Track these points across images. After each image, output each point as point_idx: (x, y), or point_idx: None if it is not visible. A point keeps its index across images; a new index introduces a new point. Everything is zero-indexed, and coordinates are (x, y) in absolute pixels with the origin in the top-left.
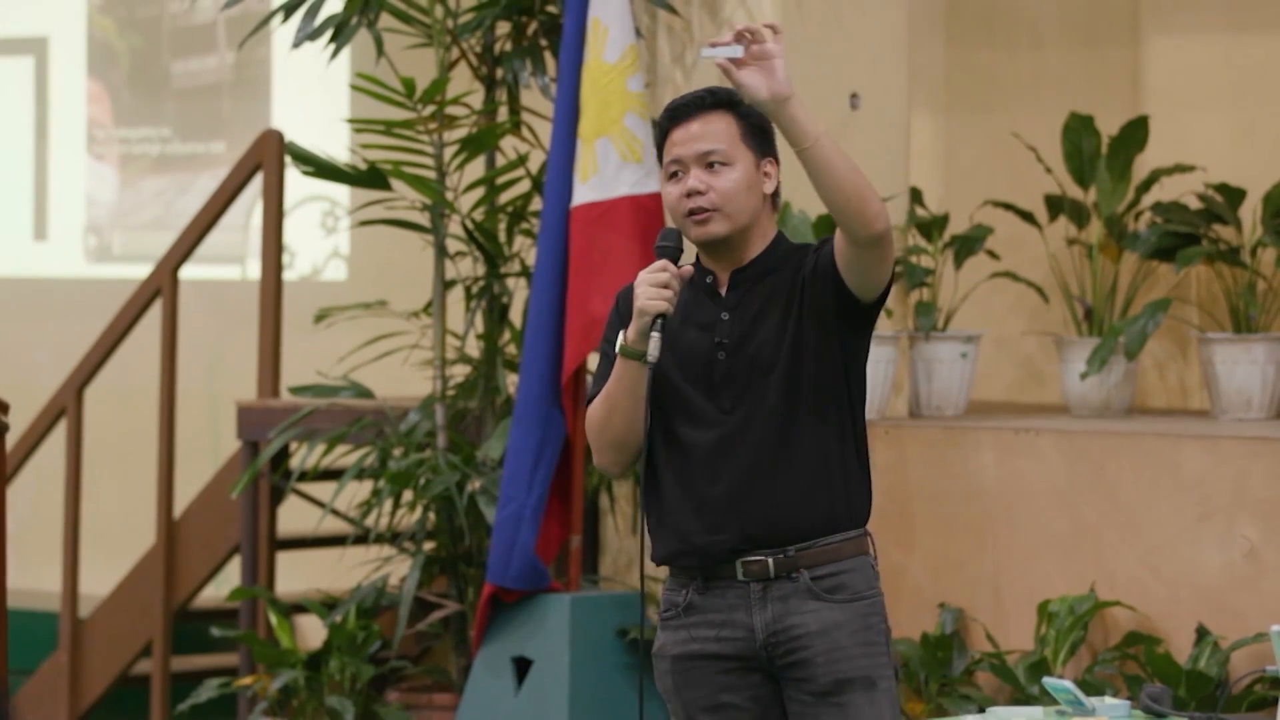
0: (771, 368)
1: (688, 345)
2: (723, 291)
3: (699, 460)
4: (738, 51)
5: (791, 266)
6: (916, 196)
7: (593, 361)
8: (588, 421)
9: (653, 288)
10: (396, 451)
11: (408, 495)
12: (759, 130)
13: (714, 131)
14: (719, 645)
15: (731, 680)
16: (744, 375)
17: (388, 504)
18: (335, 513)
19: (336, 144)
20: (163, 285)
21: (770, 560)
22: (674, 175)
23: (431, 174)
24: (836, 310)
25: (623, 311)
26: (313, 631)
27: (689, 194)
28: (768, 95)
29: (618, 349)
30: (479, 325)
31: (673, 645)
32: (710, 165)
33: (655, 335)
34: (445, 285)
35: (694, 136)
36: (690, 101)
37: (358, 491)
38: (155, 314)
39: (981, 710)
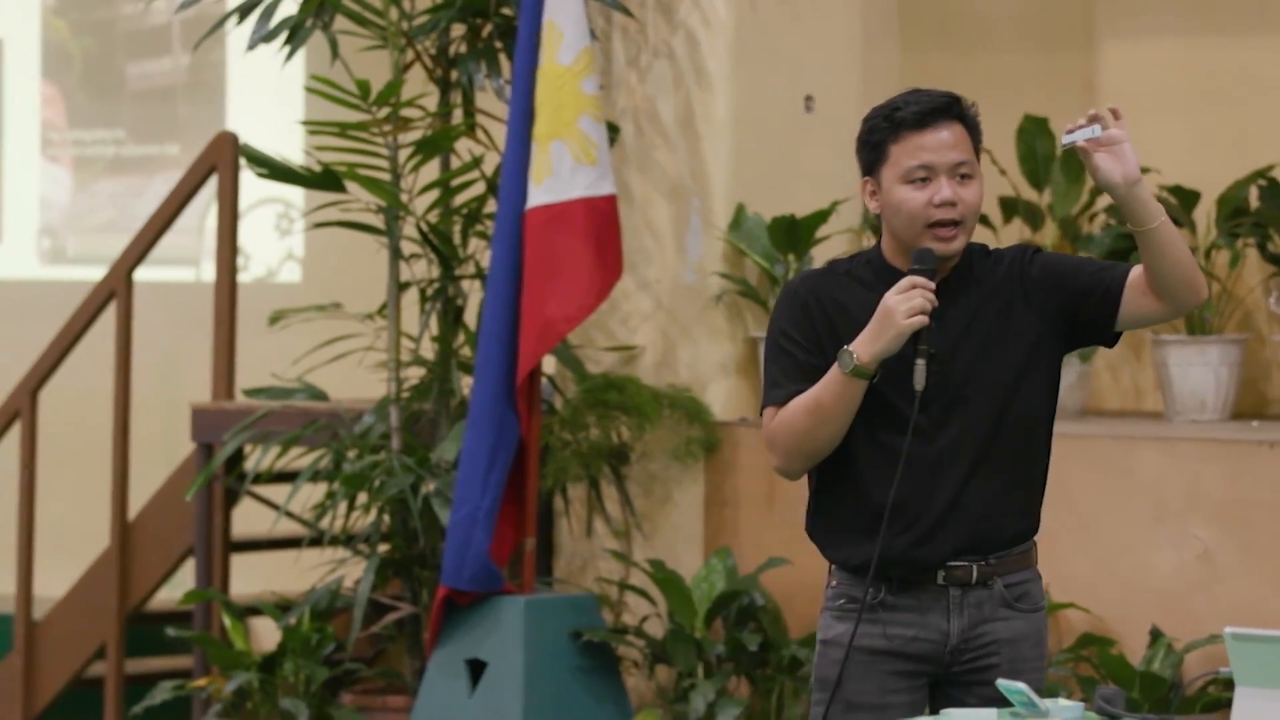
0: (990, 379)
1: (897, 357)
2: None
3: (909, 471)
4: (1096, 131)
5: (990, 273)
6: None
7: (547, 364)
8: (782, 427)
9: (911, 305)
10: (351, 454)
11: (362, 497)
12: (980, 142)
13: (961, 141)
14: (908, 645)
15: (901, 683)
16: (957, 386)
17: (342, 506)
18: (289, 515)
19: (291, 146)
20: (117, 287)
21: (974, 568)
22: (920, 180)
23: (386, 176)
24: (1080, 330)
25: (808, 306)
26: (267, 634)
27: (941, 204)
28: (1120, 179)
29: (850, 369)
30: (433, 327)
31: (858, 637)
32: (960, 177)
33: (920, 364)
34: (400, 287)
35: (947, 144)
36: (941, 107)
37: (312, 494)
38: (110, 316)
39: (935, 712)
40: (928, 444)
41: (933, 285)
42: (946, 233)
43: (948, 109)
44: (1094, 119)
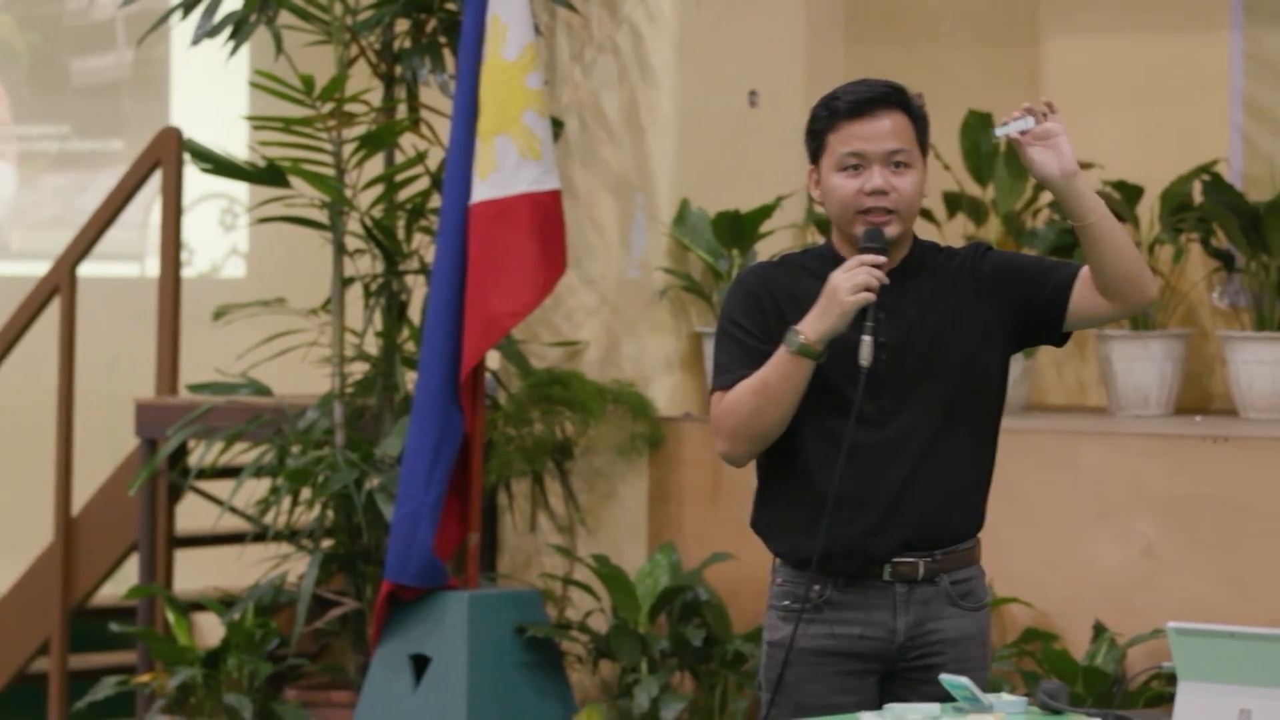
0: (940, 371)
1: (844, 343)
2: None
3: (859, 461)
4: (1030, 123)
5: (941, 267)
6: None
7: (491, 359)
8: (728, 410)
9: (855, 281)
10: (295, 449)
11: (306, 493)
12: (925, 133)
13: (900, 130)
14: (855, 643)
15: (851, 683)
16: (907, 377)
17: (286, 501)
18: (233, 510)
19: (235, 141)
20: (61, 283)
21: (920, 563)
22: (852, 168)
23: (330, 171)
24: (1030, 328)
25: (758, 296)
26: (210, 629)
27: (871, 192)
28: (1058, 171)
29: (796, 348)
30: (377, 323)
31: (804, 638)
32: (895, 165)
33: (866, 340)
34: (344, 283)
35: (882, 133)
36: (878, 96)
37: (256, 489)
38: (54, 311)
39: (870, 705)
40: (876, 432)
41: (882, 260)
42: (876, 219)
43: (886, 98)
44: (1028, 112)
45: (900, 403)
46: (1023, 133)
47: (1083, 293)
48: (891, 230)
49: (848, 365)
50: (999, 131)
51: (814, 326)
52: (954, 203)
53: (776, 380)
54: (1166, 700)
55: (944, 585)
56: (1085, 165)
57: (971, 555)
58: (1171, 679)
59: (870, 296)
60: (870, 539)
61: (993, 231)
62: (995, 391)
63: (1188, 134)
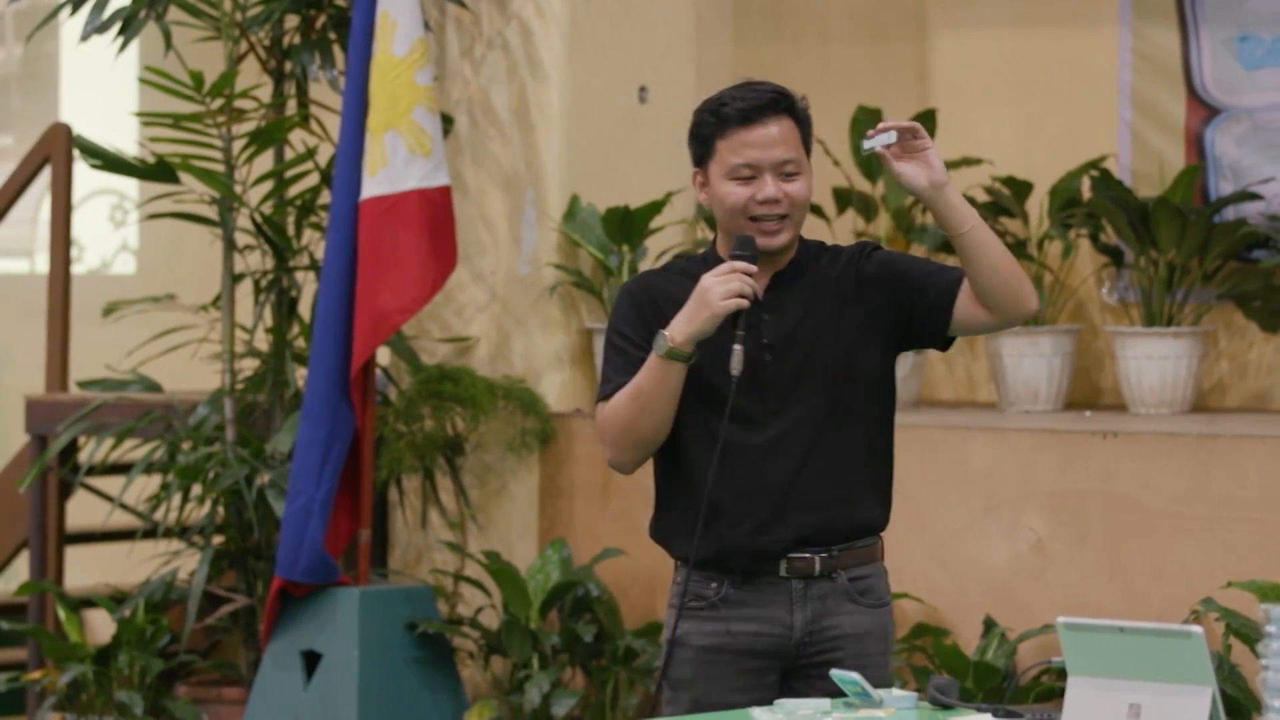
0: (823, 370)
1: (727, 347)
2: (760, 292)
3: (746, 460)
4: (892, 138)
5: (826, 268)
6: None
7: (382, 355)
8: (609, 418)
9: (729, 287)
10: (185, 445)
11: (196, 489)
12: (809, 135)
13: (788, 138)
14: (753, 640)
15: (750, 681)
16: (791, 377)
17: (176, 498)
18: (124, 507)
19: (125, 138)
20: None
21: (816, 559)
22: (745, 178)
23: (220, 167)
24: (914, 332)
25: (640, 304)
26: (101, 626)
27: (764, 201)
28: (927, 183)
29: (665, 352)
30: (268, 319)
31: (700, 636)
32: (786, 174)
33: (737, 349)
34: (234, 279)
35: (772, 141)
36: (767, 103)
37: (146, 485)
38: None
39: (768, 702)
40: (761, 432)
41: (754, 269)
42: (771, 227)
43: (775, 104)
44: (892, 129)
45: (784, 403)
46: (887, 146)
47: (965, 303)
48: (780, 239)
49: (728, 369)
50: (866, 145)
51: (682, 329)
52: (843, 199)
53: (649, 385)
54: (1057, 695)
55: (842, 581)
56: (973, 161)
57: (871, 553)
58: (1062, 674)
59: (743, 303)
60: (759, 537)
61: (882, 227)
62: (882, 390)
63: (1076, 130)
